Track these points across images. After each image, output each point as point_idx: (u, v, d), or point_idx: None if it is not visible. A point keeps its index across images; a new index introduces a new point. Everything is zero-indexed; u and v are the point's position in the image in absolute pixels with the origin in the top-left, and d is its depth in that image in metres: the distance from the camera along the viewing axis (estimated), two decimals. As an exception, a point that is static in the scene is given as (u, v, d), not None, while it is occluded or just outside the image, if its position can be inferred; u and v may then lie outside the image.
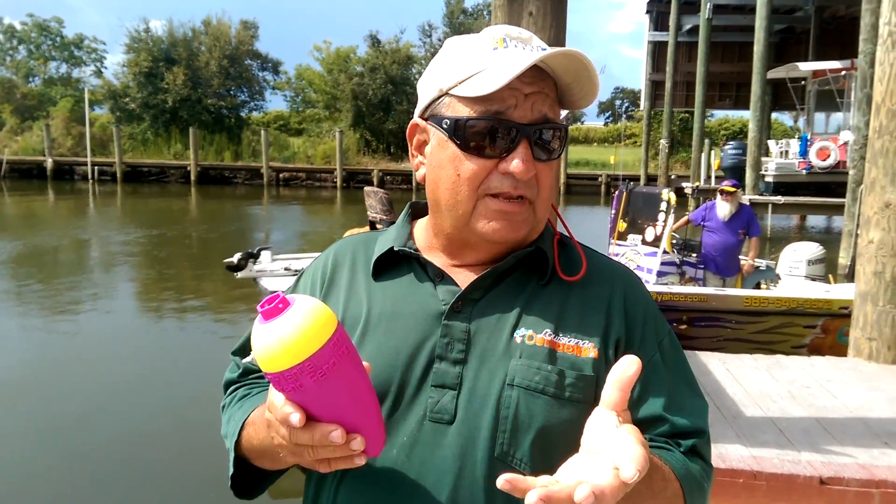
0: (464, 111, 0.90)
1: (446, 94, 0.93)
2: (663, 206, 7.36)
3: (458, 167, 0.92)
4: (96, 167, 30.15)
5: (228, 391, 1.09)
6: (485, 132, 0.89)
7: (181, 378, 6.66)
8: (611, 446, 0.68)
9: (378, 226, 6.64)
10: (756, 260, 7.59)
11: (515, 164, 0.88)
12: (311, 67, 36.62)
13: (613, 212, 8.03)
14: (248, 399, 1.03)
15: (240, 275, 6.49)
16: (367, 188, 7.42)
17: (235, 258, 6.45)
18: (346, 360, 0.72)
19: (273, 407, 0.76)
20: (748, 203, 8.13)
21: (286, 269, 6.52)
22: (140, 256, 13.27)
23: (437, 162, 0.95)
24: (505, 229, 0.92)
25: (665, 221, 7.32)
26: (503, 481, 0.64)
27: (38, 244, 14.40)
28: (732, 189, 7.05)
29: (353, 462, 0.77)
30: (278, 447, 0.80)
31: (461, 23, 33.84)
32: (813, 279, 7.29)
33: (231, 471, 0.97)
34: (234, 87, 34.56)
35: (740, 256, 7.45)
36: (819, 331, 6.21)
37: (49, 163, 30.39)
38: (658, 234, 7.35)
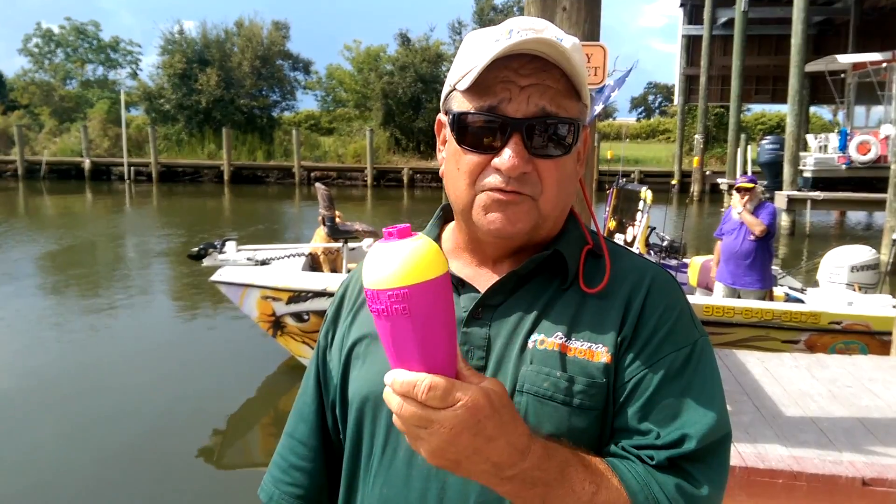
0: (464, 105, 0.90)
1: (453, 88, 0.92)
2: (641, 204, 7.14)
3: (458, 161, 0.92)
4: (132, 167, 30.75)
5: None
6: (477, 127, 0.89)
7: (213, 376, 6.77)
8: None
9: (325, 222, 6.96)
10: (776, 269, 6.68)
11: (502, 159, 0.87)
12: (341, 67, 36.93)
13: (607, 209, 7.83)
14: None
15: (205, 262, 6.83)
16: (315, 184, 7.65)
17: (197, 248, 6.88)
18: (446, 302, 0.73)
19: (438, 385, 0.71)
20: (770, 201, 7.43)
21: (248, 258, 6.78)
22: (174, 255, 13.47)
23: (447, 156, 0.95)
24: (501, 221, 0.90)
25: (641, 221, 7.08)
26: None
27: (75, 243, 14.74)
28: (750, 185, 6.07)
29: None
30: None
31: (491, 20, 33.70)
32: (860, 288, 6.66)
33: None
34: (265, 87, 34.94)
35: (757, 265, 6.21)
36: (802, 346, 5.63)
37: (87, 163, 31.06)
38: (636, 233, 7.12)
